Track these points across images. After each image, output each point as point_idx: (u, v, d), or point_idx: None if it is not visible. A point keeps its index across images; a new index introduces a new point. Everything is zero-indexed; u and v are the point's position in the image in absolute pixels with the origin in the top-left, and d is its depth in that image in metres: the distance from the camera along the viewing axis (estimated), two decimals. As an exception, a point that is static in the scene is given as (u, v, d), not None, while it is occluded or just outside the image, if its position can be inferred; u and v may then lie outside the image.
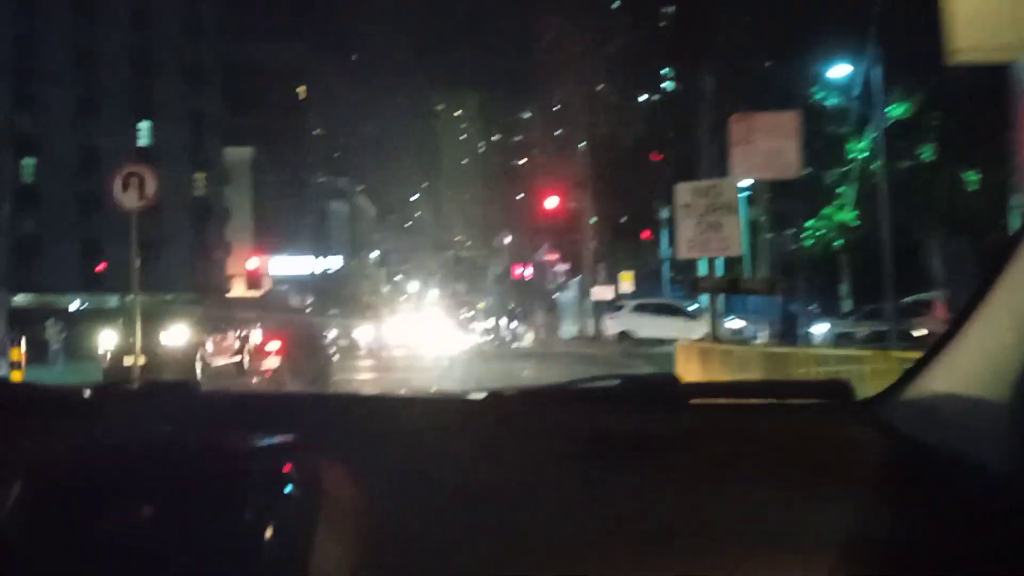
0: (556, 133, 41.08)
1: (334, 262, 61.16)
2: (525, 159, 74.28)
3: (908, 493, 1.15)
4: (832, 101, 21.98)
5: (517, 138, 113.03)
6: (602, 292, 30.57)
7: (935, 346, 1.27)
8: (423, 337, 30.00)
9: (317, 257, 58.75)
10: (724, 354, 11.01)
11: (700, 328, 21.50)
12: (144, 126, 50.97)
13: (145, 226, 42.48)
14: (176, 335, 16.33)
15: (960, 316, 1.23)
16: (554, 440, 1.30)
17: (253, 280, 37.01)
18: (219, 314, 20.07)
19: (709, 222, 11.35)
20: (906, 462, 1.20)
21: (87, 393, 1.54)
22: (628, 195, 30.24)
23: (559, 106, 39.08)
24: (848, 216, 23.10)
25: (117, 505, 1.07)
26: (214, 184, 53.75)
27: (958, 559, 1.02)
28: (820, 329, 22.88)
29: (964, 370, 1.19)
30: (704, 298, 20.63)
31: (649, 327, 25.62)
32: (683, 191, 12.27)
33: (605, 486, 1.21)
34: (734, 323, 23.56)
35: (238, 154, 59.65)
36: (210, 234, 52.22)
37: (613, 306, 28.21)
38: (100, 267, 42.07)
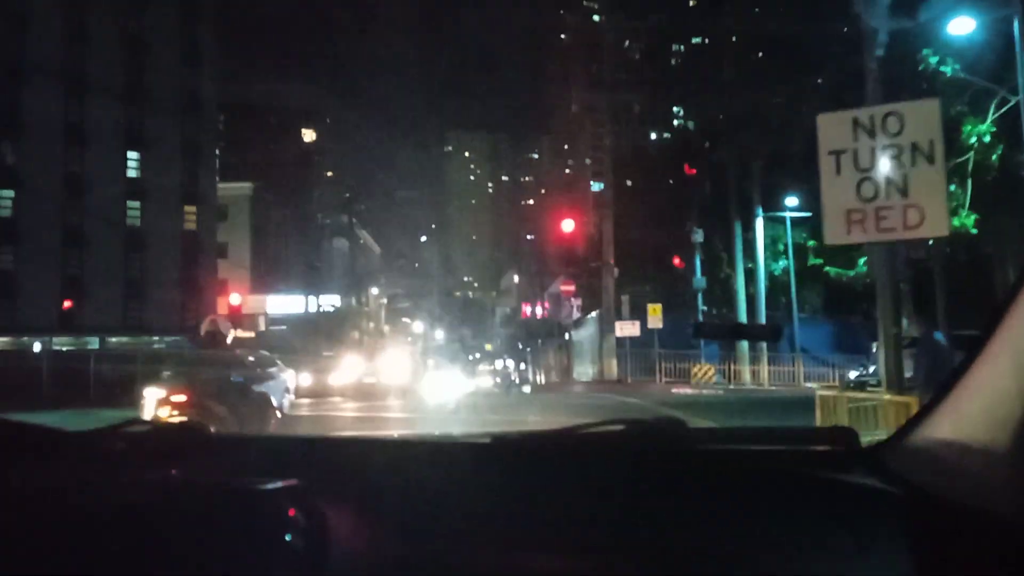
0: (573, 150, 37.78)
1: (334, 301, 58.29)
2: (536, 194, 72.07)
3: (912, 541, 1.14)
4: (948, 68, 16.18)
5: (526, 178, 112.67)
6: (627, 328, 26.95)
7: (938, 393, 1.27)
8: (425, 378, 26.86)
9: (317, 296, 55.81)
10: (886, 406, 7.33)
11: None
12: (134, 156, 48.34)
13: (128, 261, 38.92)
14: None
15: (962, 363, 1.23)
16: (557, 484, 1.30)
17: (234, 318, 33.82)
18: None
19: (887, 177, 6.01)
20: (910, 510, 1.19)
21: (99, 435, 1.59)
22: (656, 217, 26.78)
23: (575, 115, 35.81)
24: (967, 221, 17.71)
25: (124, 543, 1.09)
26: (207, 218, 50.95)
27: None
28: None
29: (967, 417, 1.19)
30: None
31: None
32: (831, 124, 6.46)
33: (608, 530, 1.19)
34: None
35: (237, 190, 58.33)
36: (201, 271, 49.28)
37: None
38: (67, 304, 38.87)
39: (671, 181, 27.56)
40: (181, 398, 8.25)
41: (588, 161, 32.12)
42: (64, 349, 38.13)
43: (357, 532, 1.18)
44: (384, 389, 23.80)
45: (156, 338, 42.97)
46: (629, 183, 27.81)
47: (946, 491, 1.16)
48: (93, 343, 40.74)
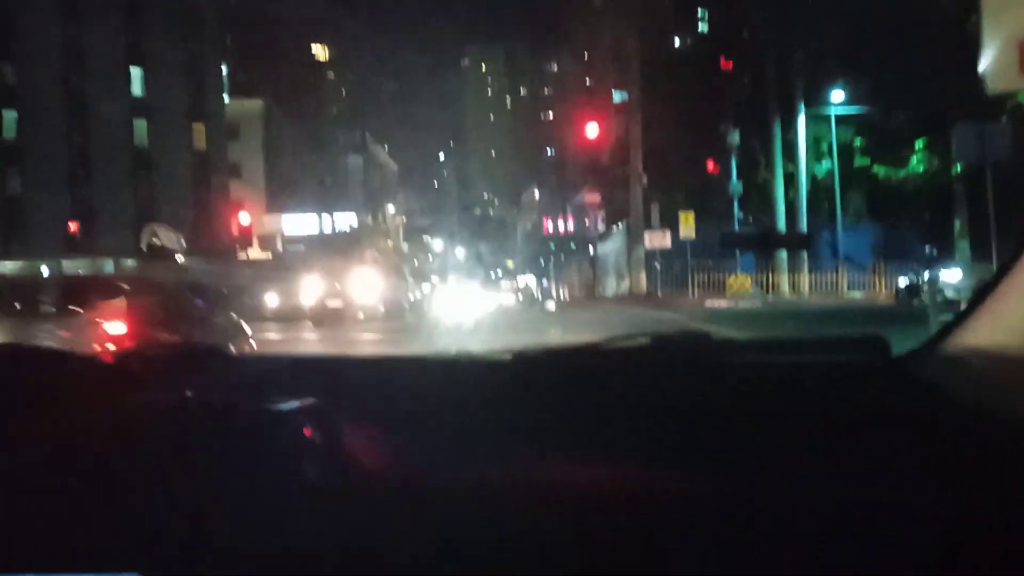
0: (596, 51, 35.39)
1: (350, 220, 57.45)
2: (556, 106, 69.93)
3: (945, 455, 1.08)
4: None
5: (546, 90, 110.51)
6: (657, 239, 25.27)
7: (974, 299, 1.24)
8: (438, 296, 25.22)
9: (332, 214, 54.93)
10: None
11: None
12: (136, 73, 46.98)
13: (137, 182, 37.35)
14: None
15: (1001, 268, 1.20)
16: (580, 400, 1.29)
17: (243, 238, 32.70)
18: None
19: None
20: (943, 422, 1.15)
21: (114, 357, 1.59)
22: (687, 118, 24.68)
23: (598, 9, 33.31)
24: None
25: (137, 467, 1.09)
26: (216, 136, 49.87)
27: (1009, 523, 0.96)
28: (952, 276, 17.39)
29: (1006, 323, 1.16)
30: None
31: None
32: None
33: (631, 443, 1.17)
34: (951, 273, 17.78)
35: (247, 107, 57.37)
36: (213, 190, 48.38)
37: None
38: (72, 227, 38.13)
39: (704, 78, 25.31)
40: (119, 328, 6.73)
41: (614, 57, 29.77)
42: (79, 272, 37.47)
43: (375, 451, 1.15)
44: (354, 314, 20.33)
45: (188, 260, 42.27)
46: (658, 82, 25.61)
47: (983, 402, 1.13)
48: (108, 266, 40.10)
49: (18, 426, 1.17)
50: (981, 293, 1.22)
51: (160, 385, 1.35)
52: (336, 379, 1.42)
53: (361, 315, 20.31)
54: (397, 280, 27.34)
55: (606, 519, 1.05)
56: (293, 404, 1.16)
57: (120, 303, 6.82)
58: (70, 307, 7.07)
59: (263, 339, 9.34)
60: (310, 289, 21.40)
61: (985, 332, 1.19)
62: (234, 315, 8.77)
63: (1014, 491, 0.98)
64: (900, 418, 1.17)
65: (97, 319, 6.83)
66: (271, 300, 21.78)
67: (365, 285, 21.87)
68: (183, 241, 8.19)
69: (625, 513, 1.06)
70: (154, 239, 7.66)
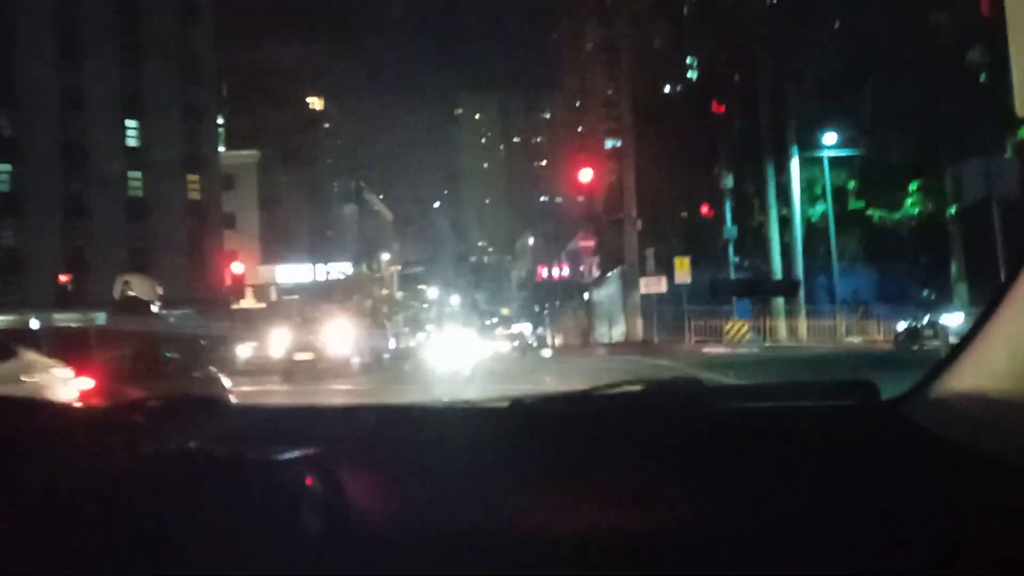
0: (588, 97, 35.61)
1: (344, 268, 57.40)
2: (549, 155, 70.52)
3: (932, 493, 1.12)
4: None
5: (538, 139, 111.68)
6: (653, 284, 25.06)
7: (960, 342, 1.26)
8: (433, 344, 24.67)
9: (327, 264, 54.90)
10: None
11: None
12: (132, 125, 47.20)
13: (131, 232, 36.68)
14: None
15: (986, 311, 1.22)
16: (576, 446, 1.30)
17: (236, 288, 32.44)
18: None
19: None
20: (934, 462, 1.18)
21: (116, 409, 1.62)
22: (681, 162, 24.65)
23: (590, 54, 33.54)
24: None
25: (142, 517, 1.11)
26: (211, 187, 49.95)
27: (992, 560, 1.00)
28: (953, 320, 17.15)
29: (990, 366, 1.19)
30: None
31: None
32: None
33: (626, 489, 1.19)
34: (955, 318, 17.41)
35: (243, 157, 57.74)
36: (207, 241, 48.28)
37: None
38: (63, 279, 37.87)
39: (697, 121, 25.33)
40: (87, 383, 6.40)
41: (606, 103, 29.87)
42: (72, 325, 37.01)
43: (376, 500, 1.16)
44: (328, 367, 18.58)
45: (164, 312, 41.85)
46: (651, 126, 25.60)
47: (968, 442, 1.14)
48: (100, 319, 39.67)
49: (17, 477, 1.18)
50: (965, 338, 1.25)
51: (162, 436, 1.36)
52: (335, 428, 1.44)
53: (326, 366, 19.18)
54: (377, 329, 26.08)
55: (604, 561, 1.07)
56: (294, 453, 1.19)
57: (88, 356, 6.53)
58: (38, 360, 6.80)
59: (233, 392, 8.95)
60: (278, 342, 20.34)
61: (970, 376, 1.21)
62: (212, 368, 8.44)
63: (989, 523, 1.02)
64: (888, 457, 1.19)
65: (63, 374, 6.54)
66: (242, 352, 21.16)
67: (339, 336, 20.72)
68: (159, 290, 7.82)
69: (622, 555, 1.07)
70: (127, 290, 7.28)
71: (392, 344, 28.49)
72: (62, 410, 1.67)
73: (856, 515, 1.09)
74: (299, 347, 19.37)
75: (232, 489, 1.11)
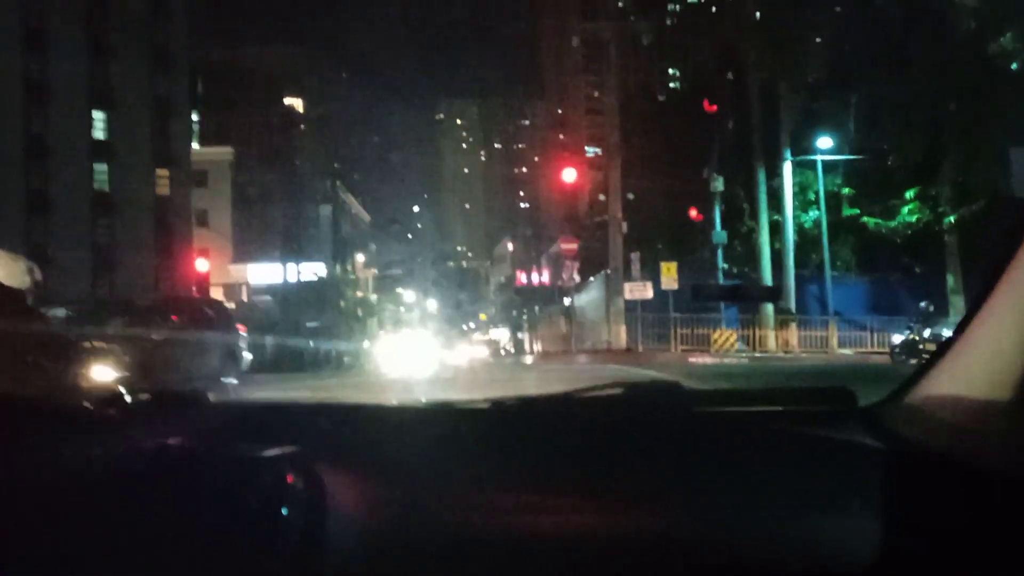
0: (574, 94, 34.58)
1: (318, 269, 56.14)
2: (530, 161, 69.82)
3: (912, 500, 1.14)
4: None
5: (520, 145, 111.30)
6: (638, 290, 23.96)
7: (938, 350, 1.29)
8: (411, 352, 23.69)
9: (299, 264, 53.58)
10: None
11: None
12: (100, 116, 45.76)
13: (98, 226, 34.86)
14: None
15: (962, 320, 1.23)
16: (556, 448, 1.30)
17: (200, 286, 31.00)
18: None
19: None
20: (905, 467, 1.19)
21: (99, 404, 1.58)
22: (669, 163, 23.62)
23: (576, 50, 32.55)
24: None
25: (121, 514, 1.10)
26: (181, 183, 48.63)
27: (965, 566, 1.02)
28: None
29: (966, 374, 1.20)
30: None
31: None
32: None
33: (607, 494, 1.20)
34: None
35: (216, 154, 56.60)
36: (176, 238, 46.85)
37: None
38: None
39: (686, 120, 24.31)
40: None
41: (591, 98, 28.81)
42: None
43: (356, 498, 1.17)
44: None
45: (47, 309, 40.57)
46: (638, 123, 24.53)
47: (943, 448, 1.16)
48: (59, 315, 38.14)
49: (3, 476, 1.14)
50: (943, 346, 1.25)
51: (140, 432, 1.33)
52: (315, 426, 1.41)
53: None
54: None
55: (584, 561, 1.07)
56: (275, 451, 1.16)
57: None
58: None
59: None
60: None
61: (947, 384, 1.23)
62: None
63: (975, 530, 1.02)
64: (863, 463, 1.19)
65: None
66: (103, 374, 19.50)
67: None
68: (37, 276, 6.44)
69: (602, 556, 1.08)
70: None
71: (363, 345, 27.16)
72: (37, 409, 1.59)
73: (832, 522, 1.10)
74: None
75: (212, 486, 1.08)
